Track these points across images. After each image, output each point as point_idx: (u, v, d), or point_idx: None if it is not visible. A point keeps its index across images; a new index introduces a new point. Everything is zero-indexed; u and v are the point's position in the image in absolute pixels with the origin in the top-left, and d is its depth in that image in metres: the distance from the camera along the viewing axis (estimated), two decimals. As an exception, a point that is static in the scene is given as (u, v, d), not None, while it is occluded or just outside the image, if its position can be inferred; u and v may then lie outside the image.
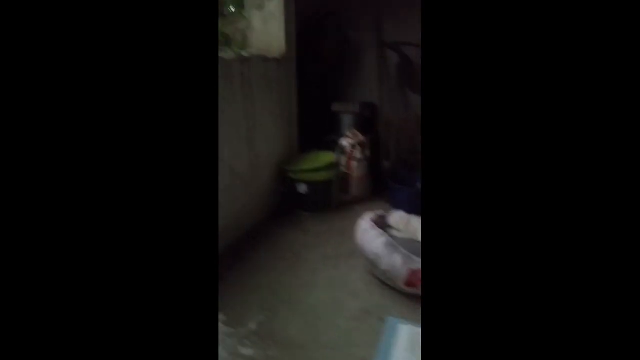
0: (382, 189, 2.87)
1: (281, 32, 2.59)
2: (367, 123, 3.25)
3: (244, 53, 2.25)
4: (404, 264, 1.58)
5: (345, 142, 2.79)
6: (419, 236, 1.93)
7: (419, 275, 1.55)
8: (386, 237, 1.72)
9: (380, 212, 2.04)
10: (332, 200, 2.68)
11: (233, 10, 2.82)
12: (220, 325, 1.52)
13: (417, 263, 1.57)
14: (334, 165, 2.70)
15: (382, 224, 1.95)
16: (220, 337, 1.46)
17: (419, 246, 1.86)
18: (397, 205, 2.48)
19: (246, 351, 1.40)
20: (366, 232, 1.78)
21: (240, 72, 2.13)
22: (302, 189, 2.59)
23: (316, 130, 3.24)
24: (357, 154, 2.76)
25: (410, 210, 2.14)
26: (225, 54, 2.03)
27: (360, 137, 2.82)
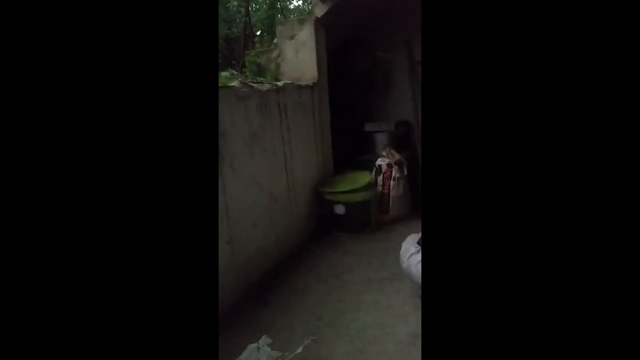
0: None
1: (312, 59, 2.68)
2: (403, 141, 3.23)
3: (278, 83, 2.34)
4: (453, 285, 1.52)
5: (381, 162, 2.78)
6: None
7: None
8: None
9: (423, 232, 1.98)
10: (371, 221, 2.64)
11: (260, 33, 2.94)
12: (267, 348, 1.51)
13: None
14: (371, 186, 2.68)
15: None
16: (268, 361, 1.45)
17: None
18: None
19: (294, 378, 1.38)
20: (412, 255, 1.73)
21: (277, 101, 2.21)
22: (340, 210, 2.59)
23: (351, 151, 3.27)
24: (395, 172, 2.73)
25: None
26: (260, 85, 2.12)
27: (397, 156, 2.80)
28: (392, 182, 2.71)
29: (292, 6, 7.76)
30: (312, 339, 1.56)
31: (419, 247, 1.75)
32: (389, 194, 2.72)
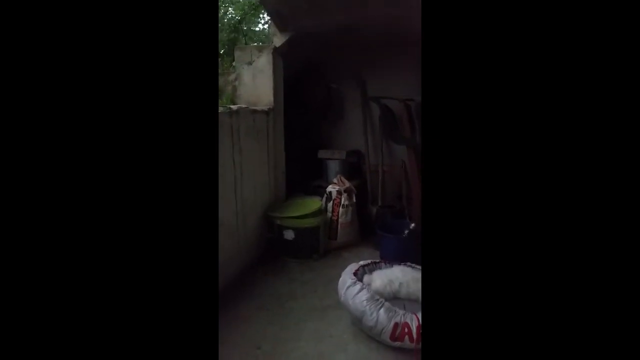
0: (369, 234, 2.89)
1: (269, 85, 2.74)
2: (353, 169, 3.35)
3: (233, 106, 2.36)
4: (388, 318, 1.57)
5: (332, 188, 2.85)
6: (402, 290, 1.86)
7: (405, 329, 1.53)
8: (369, 291, 1.71)
9: (363, 262, 2.03)
10: (319, 247, 2.67)
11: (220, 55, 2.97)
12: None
13: (401, 316, 1.56)
14: (321, 212, 2.73)
15: (363, 276, 1.93)
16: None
17: (402, 300, 1.83)
18: (385, 253, 2.49)
19: (226, 413, 1.32)
20: (349, 287, 1.76)
21: (229, 124, 2.21)
22: (289, 235, 2.59)
23: (304, 177, 3.32)
24: (344, 199, 2.81)
25: (396, 258, 2.15)
26: (215, 106, 2.13)
27: (347, 183, 2.88)
28: (341, 209, 2.78)
29: (257, 29, 7.91)
30: (248, 371, 1.51)
31: (355, 279, 1.80)
32: (337, 220, 2.78)
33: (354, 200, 2.87)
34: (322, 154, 3.37)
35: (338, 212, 2.79)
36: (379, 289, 1.78)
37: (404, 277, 1.85)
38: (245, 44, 5.06)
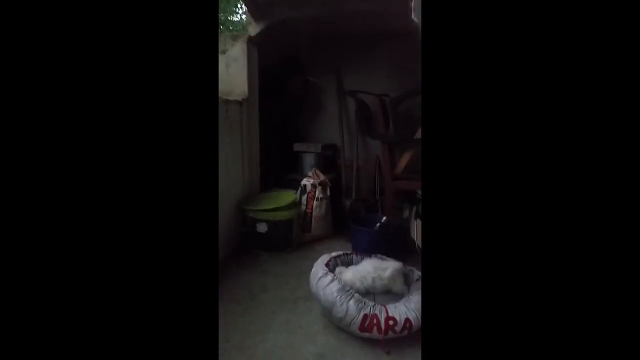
0: (343, 227, 2.91)
1: (243, 75, 2.69)
2: (328, 163, 3.35)
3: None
4: (358, 309, 1.59)
5: (306, 182, 2.84)
6: (376, 285, 1.86)
7: (373, 320, 1.55)
8: (339, 282, 1.73)
9: (335, 253, 2.05)
10: (293, 240, 2.67)
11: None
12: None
13: (371, 308, 1.59)
14: (295, 205, 2.72)
15: (335, 268, 1.95)
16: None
17: (373, 291, 1.85)
18: (357, 246, 2.52)
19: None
20: (320, 278, 1.77)
21: (201, 113, 2.16)
22: (262, 228, 2.57)
23: (280, 170, 3.29)
24: (318, 193, 2.81)
25: (368, 250, 2.18)
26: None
27: (322, 177, 2.89)
28: (315, 202, 2.78)
29: (236, 19, 7.72)
30: (215, 364, 1.50)
31: (327, 270, 1.81)
32: (311, 213, 2.78)
33: (329, 193, 2.88)
34: (297, 146, 3.35)
35: (312, 205, 2.79)
36: (351, 284, 1.78)
37: (375, 270, 1.87)
38: (220, 32, 4.94)
